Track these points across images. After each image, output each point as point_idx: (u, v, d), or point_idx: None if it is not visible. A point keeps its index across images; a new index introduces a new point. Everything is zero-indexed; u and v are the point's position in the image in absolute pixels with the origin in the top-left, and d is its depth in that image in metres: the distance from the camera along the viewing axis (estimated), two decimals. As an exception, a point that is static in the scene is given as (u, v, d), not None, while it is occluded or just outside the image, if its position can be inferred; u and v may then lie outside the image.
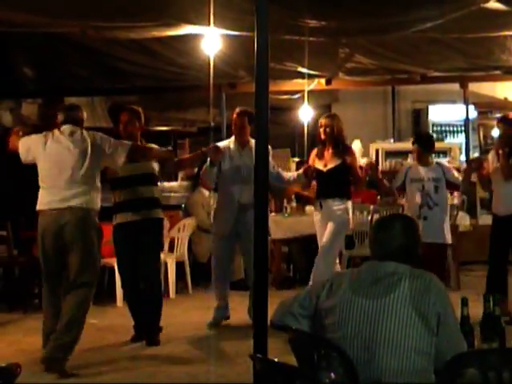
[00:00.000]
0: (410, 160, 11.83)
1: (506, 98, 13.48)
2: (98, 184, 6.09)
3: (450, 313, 3.17)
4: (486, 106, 13.59)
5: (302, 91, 11.37)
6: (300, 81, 11.02)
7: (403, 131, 13.93)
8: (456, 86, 12.15)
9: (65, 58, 10.16)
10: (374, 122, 13.99)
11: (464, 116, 12.24)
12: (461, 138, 13.06)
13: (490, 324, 3.45)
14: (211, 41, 8.33)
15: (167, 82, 11.21)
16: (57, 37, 9.13)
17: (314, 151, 7.77)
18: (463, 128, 12.65)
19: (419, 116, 14.00)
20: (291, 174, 8.21)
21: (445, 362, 2.98)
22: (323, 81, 11.65)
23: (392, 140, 13.23)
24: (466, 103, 12.10)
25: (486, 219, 11.26)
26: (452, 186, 7.72)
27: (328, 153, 7.53)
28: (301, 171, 7.79)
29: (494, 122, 13.61)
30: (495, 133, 13.64)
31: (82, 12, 7.48)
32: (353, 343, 3.14)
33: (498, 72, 11.44)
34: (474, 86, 12.27)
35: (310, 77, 10.95)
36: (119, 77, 10.70)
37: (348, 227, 7.70)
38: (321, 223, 7.57)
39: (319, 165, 7.59)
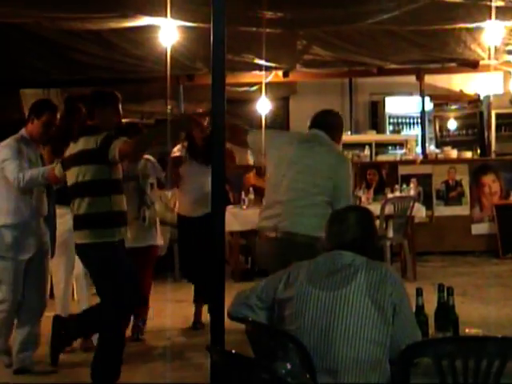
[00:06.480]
0: (367, 152, 11.94)
1: (461, 91, 13.63)
2: None
3: (405, 303, 3.20)
4: (442, 98, 13.71)
5: (259, 83, 11.35)
6: (258, 73, 11.01)
7: (361, 123, 14.01)
8: (412, 79, 12.24)
9: (20, 49, 9.99)
10: (332, 114, 14.00)
11: (420, 108, 12.34)
12: (417, 130, 13.17)
13: (443, 313, 3.50)
14: (168, 32, 8.30)
15: (124, 74, 11.10)
16: (11, 27, 8.97)
17: None
18: (419, 120, 12.75)
19: (376, 108, 14.08)
20: None
21: (399, 352, 3.02)
22: (280, 73, 11.66)
23: (349, 132, 13.29)
24: (422, 95, 12.18)
25: (442, 210, 11.44)
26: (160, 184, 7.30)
27: None
28: None
29: (450, 115, 13.86)
30: (451, 125, 13.81)
31: (37, 2, 7.38)
32: (310, 334, 3.15)
33: (453, 64, 11.58)
34: (430, 79, 12.37)
35: (268, 69, 10.94)
36: (76, 68, 10.55)
37: None
38: None
39: None
